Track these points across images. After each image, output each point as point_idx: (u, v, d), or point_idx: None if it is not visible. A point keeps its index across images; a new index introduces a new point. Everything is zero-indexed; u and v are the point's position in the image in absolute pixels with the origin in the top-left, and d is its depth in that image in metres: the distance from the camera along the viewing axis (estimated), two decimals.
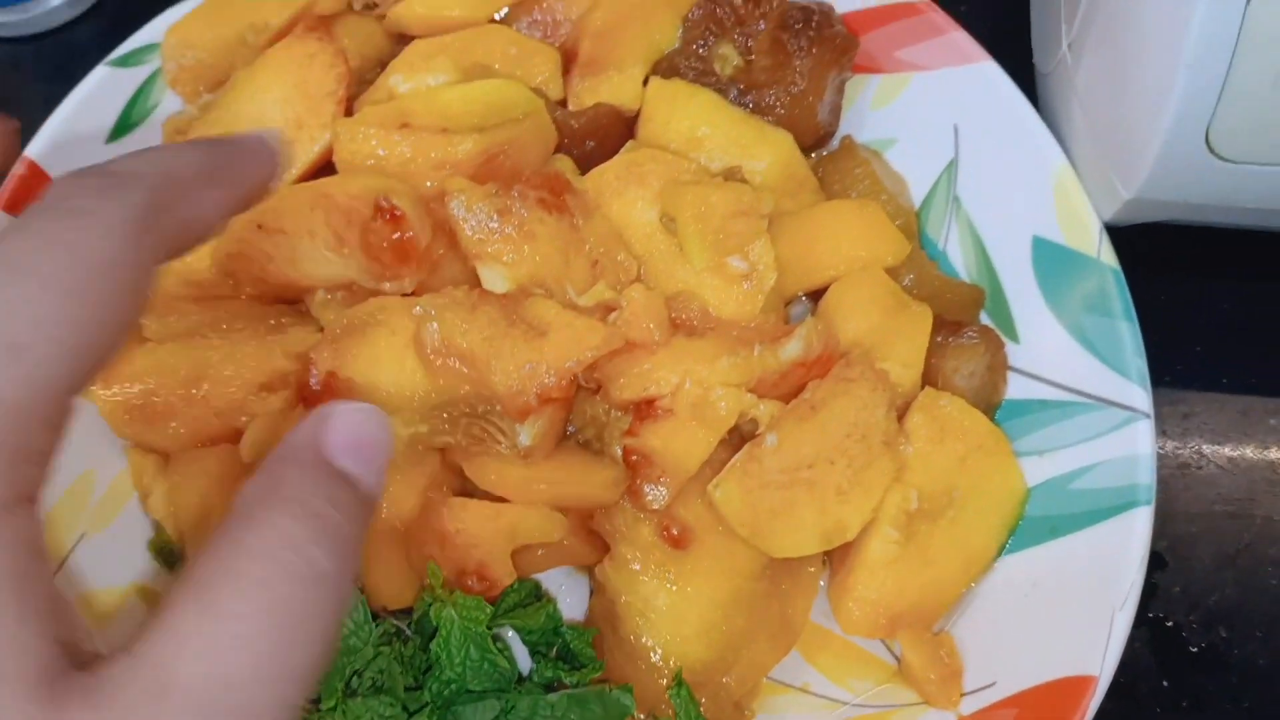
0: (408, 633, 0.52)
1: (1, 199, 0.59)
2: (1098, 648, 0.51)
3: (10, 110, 0.72)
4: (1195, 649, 0.60)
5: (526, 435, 0.53)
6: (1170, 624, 0.61)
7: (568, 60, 0.63)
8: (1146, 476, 0.53)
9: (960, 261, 0.62)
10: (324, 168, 0.59)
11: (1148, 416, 0.54)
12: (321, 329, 0.57)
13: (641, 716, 0.53)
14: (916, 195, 0.63)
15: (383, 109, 0.58)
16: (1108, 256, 0.57)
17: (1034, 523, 0.56)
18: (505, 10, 0.64)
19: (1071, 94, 0.60)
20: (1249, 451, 0.64)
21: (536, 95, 0.60)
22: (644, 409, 0.54)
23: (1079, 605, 0.53)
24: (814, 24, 0.61)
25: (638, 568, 0.54)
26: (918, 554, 0.55)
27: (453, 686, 0.51)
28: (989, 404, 0.59)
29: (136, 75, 0.63)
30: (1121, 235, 0.59)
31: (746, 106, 0.62)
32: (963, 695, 0.54)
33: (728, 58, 0.63)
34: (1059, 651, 0.52)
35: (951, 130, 0.62)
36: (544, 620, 0.53)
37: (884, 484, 0.55)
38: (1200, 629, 0.61)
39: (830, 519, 0.54)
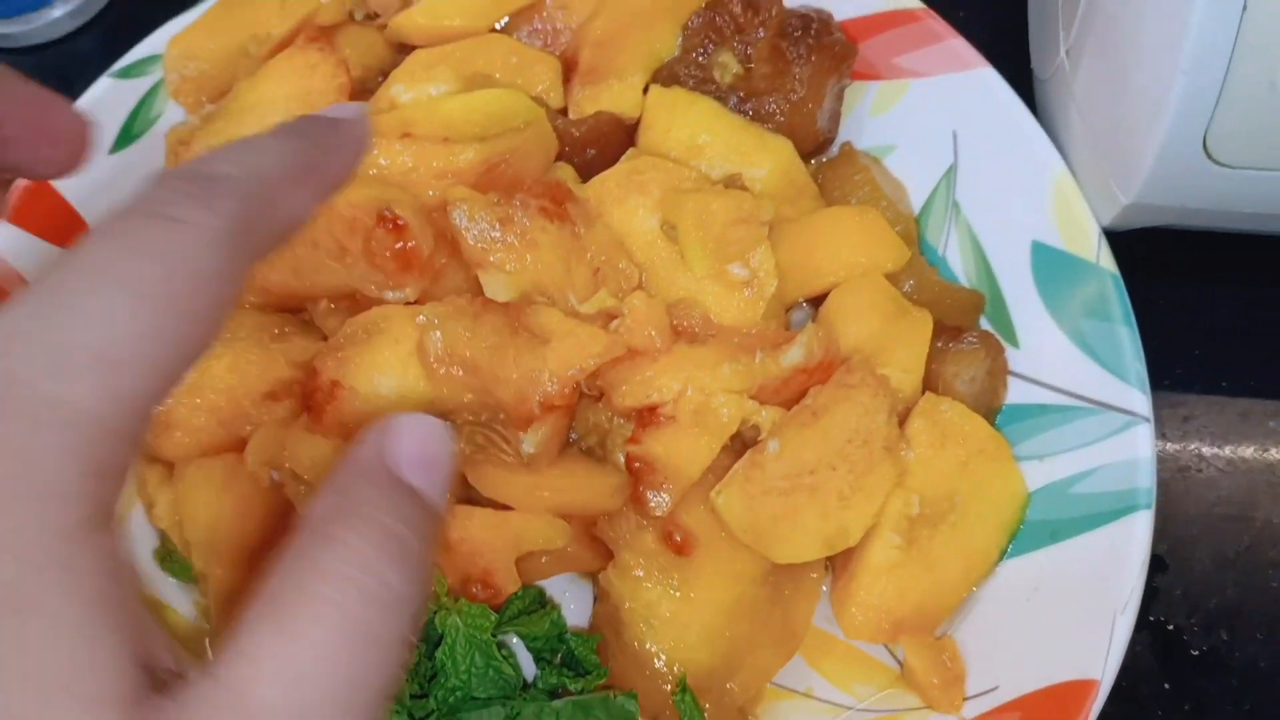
0: (413, 640, 0.52)
1: (9, 211, 0.59)
2: (1099, 651, 0.51)
3: None
4: (1196, 652, 0.60)
5: (530, 443, 0.53)
6: (1171, 627, 0.61)
7: (568, 69, 0.63)
8: (1147, 480, 0.54)
9: (960, 267, 0.62)
10: None
11: (1147, 421, 0.55)
12: (325, 338, 0.57)
13: None
14: (916, 201, 0.64)
15: (384, 119, 0.58)
16: (1106, 261, 0.57)
17: (1035, 527, 0.56)
18: (505, 20, 0.65)
19: (1069, 100, 0.61)
20: (1249, 454, 0.64)
21: (537, 104, 0.60)
22: (646, 416, 0.54)
23: (1080, 609, 0.53)
24: (813, 32, 0.62)
25: (641, 574, 0.54)
26: (920, 559, 0.55)
27: (458, 694, 0.51)
28: (989, 409, 0.59)
29: (139, 86, 0.63)
30: (1120, 239, 0.59)
31: (746, 114, 0.62)
32: (965, 699, 0.54)
33: (727, 65, 0.63)
34: (1061, 655, 0.52)
35: (950, 136, 0.63)
36: (548, 627, 0.53)
37: (885, 489, 0.55)
38: (1201, 632, 0.61)
39: (832, 525, 0.54)
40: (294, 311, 0.59)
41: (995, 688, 0.53)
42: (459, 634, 0.51)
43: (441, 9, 0.63)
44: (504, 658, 0.51)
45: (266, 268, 0.56)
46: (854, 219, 0.60)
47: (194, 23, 0.64)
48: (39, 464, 0.23)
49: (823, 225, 0.60)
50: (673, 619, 0.54)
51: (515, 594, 0.54)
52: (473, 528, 0.53)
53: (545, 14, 0.65)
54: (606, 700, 0.52)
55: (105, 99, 0.62)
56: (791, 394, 0.56)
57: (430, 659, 0.51)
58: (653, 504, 0.54)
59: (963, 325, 0.60)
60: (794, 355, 0.54)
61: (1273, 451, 0.64)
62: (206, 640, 0.56)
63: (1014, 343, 0.60)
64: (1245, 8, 0.48)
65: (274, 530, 0.56)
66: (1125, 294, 0.57)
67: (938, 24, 0.63)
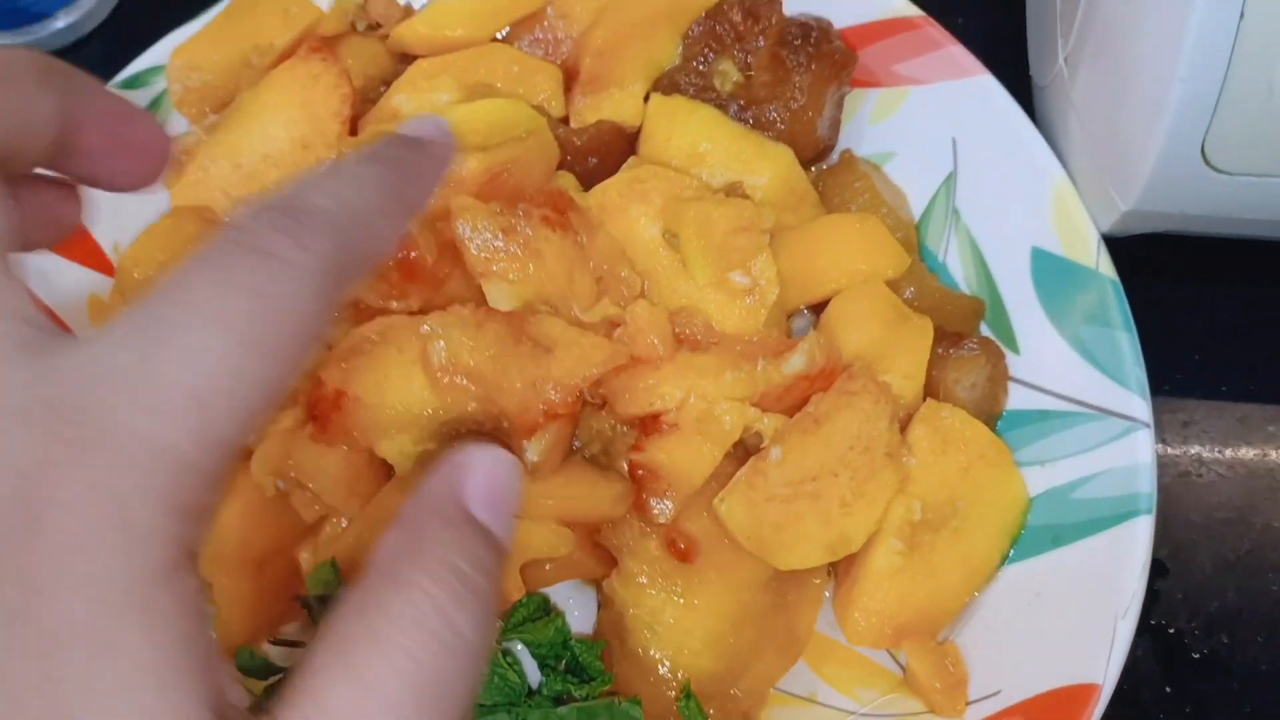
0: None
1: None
2: (1101, 655, 0.51)
3: None
4: (1198, 655, 0.61)
5: (534, 451, 0.53)
6: (1172, 630, 0.61)
7: (569, 78, 0.64)
8: (1147, 485, 0.54)
9: (960, 273, 0.62)
10: None
11: (1148, 426, 0.55)
12: (328, 347, 0.57)
13: None
14: (916, 208, 0.64)
15: (387, 128, 0.58)
16: (1106, 268, 0.58)
17: (1036, 532, 0.57)
18: (506, 29, 0.65)
19: (1068, 107, 0.61)
20: (1249, 458, 0.65)
21: (539, 113, 0.61)
22: (649, 424, 0.55)
23: (1082, 613, 0.53)
24: (813, 40, 0.62)
25: (645, 581, 0.54)
26: (921, 564, 0.55)
27: None
28: (990, 415, 0.59)
29: (142, 97, 0.63)
30: (1119, 244, 0.59)
31: (747, 122, 0.62)
32: (968, 704, 0.54)
33: (728, 74, 0.63)
34: (1063, 660, 0.53)
35: (950, 143, 0.63)
36: (553, 634, 0.54)
37: (887, 495, 0.55)
38: (1202, 635, 0.61)
39: (835, 531, 0.54)
40: None
41: (998, 692, 0.54)
42: None
43: (443, 19, 0.64)
44: (509, 665, 0.52)
45: None
46: (854, 226, 0.60)
47: (197, 34, 0.64)
48: (129, 506, 0.23)
49: (823, 232, 0.60)
50: (676, 625, 0.54)
51: (520, 601, 0.54)
52: None
53: (546, 23, 0.65)
54: (611, 706, 0.52)
55: None
56: (794, 401, 0.56)
57: None
58: (656, 511, 0.54)
59: (963, 331, 0.60)
60: (796, 363, 0.55)
61: (1272, 455, 0.65)
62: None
63: (1014, 349, 0.60)
64: (1242, 15, 0.49)
65: (279, 539, 0.56)
66: (1125, 300, 0.57)
67: (937, 31, 0.63)
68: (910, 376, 0.58)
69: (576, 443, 0.57)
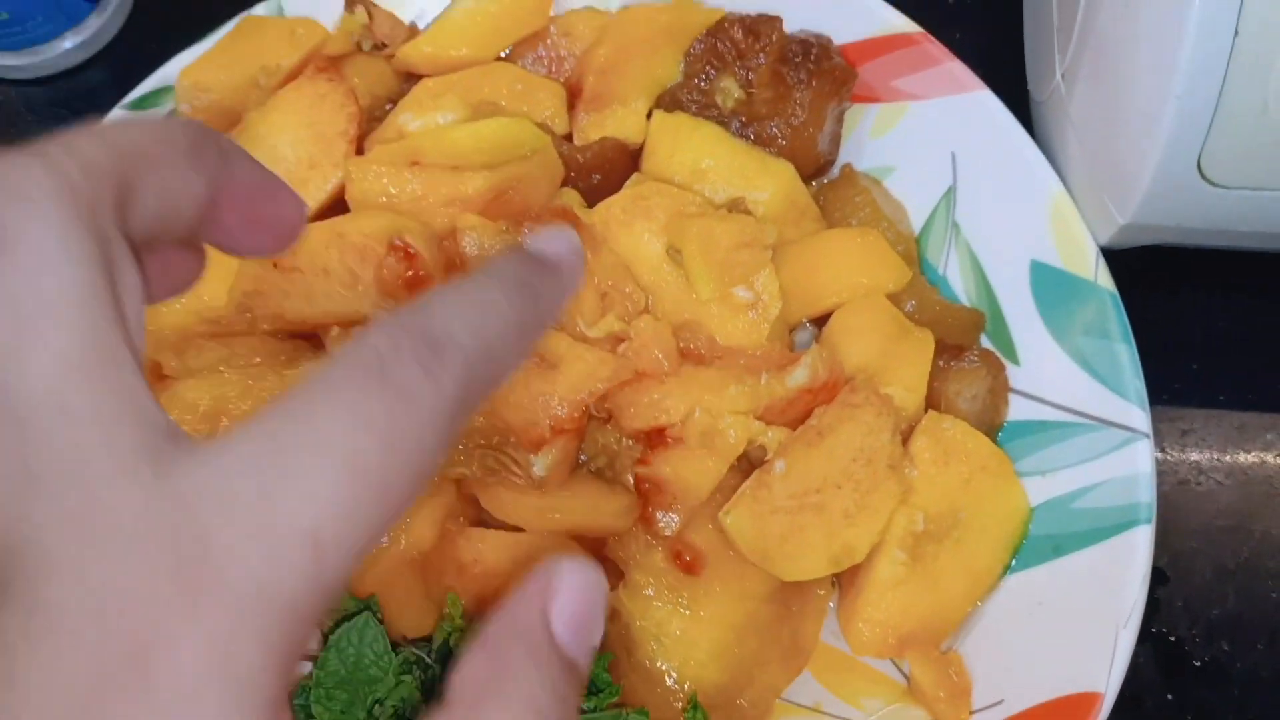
0: (429, 660, 0.53)
1: None
2: (1103, 664, 0.52)
3: None
4: (1198, 662, 0.61)
5: (540, 465, 0.54)
6: (1173, 638, 0.62)
7: (572, 95, 0.65)
8: (1147, 495, 0.55)
9: (960, 286, 0.63)
10: (337, 205, 0.60)
11: (1147, 436, 0.56)
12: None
13: None
14: (916, 222, 0.65)
15: (393, 147, 0.59)
16: (1104, 280, 0.58)
17: (1037, 542, 0.57)
18: (509, 48, 0.66)
19: (1066, 122, 0.62)
20: (1247, 466, 0.65)
21: (543, 130, 0.62)
22: (654, 437, 0.55)
23: (1083, 622, 0.54)
24: (813, 56, 0.63)
25: (651, 593, 0.55)
26: (924, 575, 0.56)
27: None
28: (991, 426, 0.60)
29: (151, 118, 0.64)
30: (1117, 256, 0.60)
31: (748, 138, 0.63)
32: (972, 713, 0.54)
33: (729, 91, 0.64)
34: (1065, 668, 0.53)
35: (949, 158, 0.63)
36: None
37: (890, 507, 0.56)
38: (1203, 642, 0.62)
39: (838, 542, 0.55)
40: (306, 338, 0.60)
41: (1001, 701, 0.54)
42: None
43: (447, 38, 0.65)
44: None
45: (280, 295, 0.57)
46: (855, 240, 0.61)
47: (204, 54, 0.65)
48: (239, 656, 0.22)
49: (825, 247, 0.61)
50: (683, 637, 0.54)
51: None
52: (485, 549, 0.54)
53: (549, 41, 0.66)
54: (618, 718, 0.52)
55: None
56: (797, 414, 0.57)
57: (444, 680, 0.52)
58: (661, 524, 0.55)
59: (964, 344, 0.61)
60: (799, 376, 0.55)
61: (1270, 462, 0.65)
62: None
63: (1015, 360, 0.61)
64: (1237, 33, 0.49)
65: None
66: (1123, 312, 0.58)
67: (935, 47, 0.64)
68: (912, 389, 0.58)
69: (582, 457, 0.58)
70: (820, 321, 0.61)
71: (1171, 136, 0.52)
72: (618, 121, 0.63)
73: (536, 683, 0.25)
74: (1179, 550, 0.63)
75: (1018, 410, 0.60)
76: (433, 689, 0.52)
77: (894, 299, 0.60)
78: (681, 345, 0.57)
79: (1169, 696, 0.61)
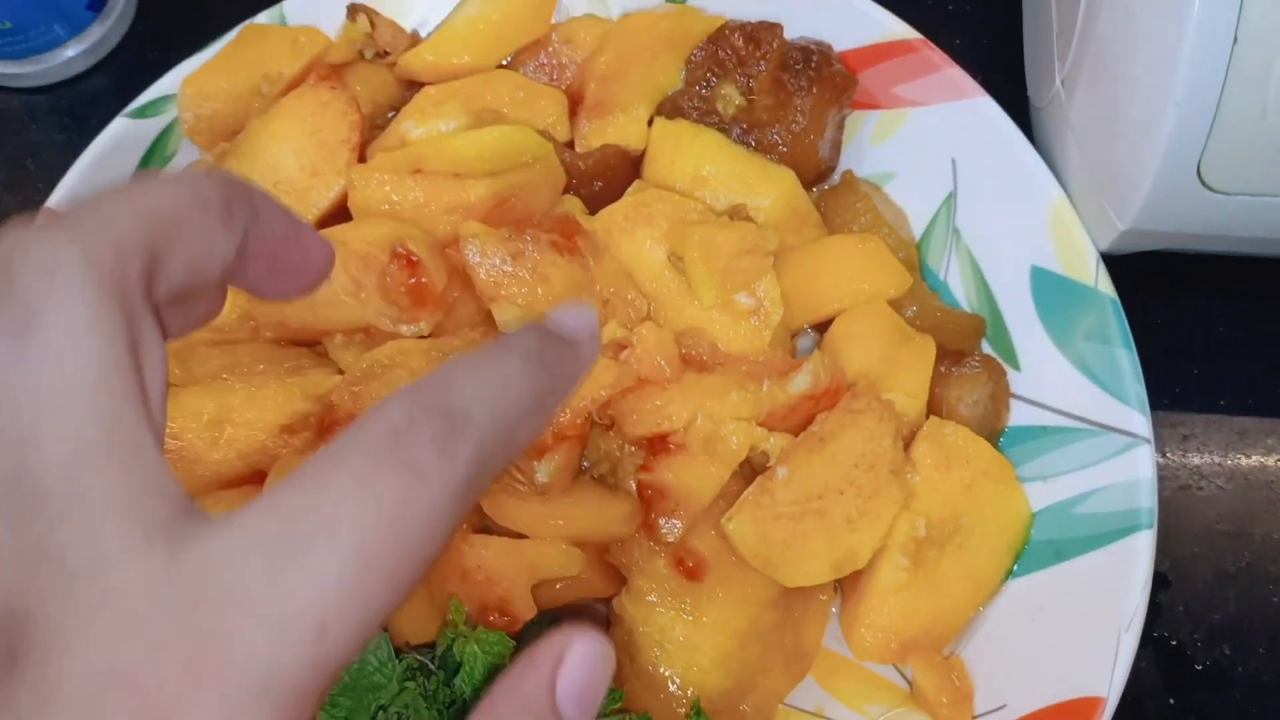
0: (432, 667, 0.53)
1: None
2: (1105, 669, 0.52)
3: (31, 158, 0.74)
4: (1200, 666, 0.61)
5: (543, 472, 0.54)
6: (1175, 642, 0.62)
7: (574, 103, 0.65)
8: (1148, 501, 0.55)
9: (961, 292, 0.63)
10: (339, 213, 0.60)
11: (1148, 442, 0.56)
12: (340, 371, 0.58)
13: None
14: (917, 228, 0.65)
15: (395, 155, 0.59)
16: (1105, 286, 0.59)
17: (1039, 547, 0.57)
18: (510, 56, 0.66)
19: (1066, 128, 0.62)
20: (1248, 471, 0.65)
21: (544, 138, 0.62)
22: (657, 444, 0.56)
23: (1085, 627, 0.54)
24: (813, 63, 0.63)
25: (654, 599, 0.55)
26: (927, 580, 0.56)
27: None
28: (992, 431, 0.60)
29: (154, 126, 0.64)
30: (1118, 261, 0.60)
31: (749, 145, 0.63)
32: (974, 718, 0.55)
33: (730, 98, 0.64)
34: (1067, 673, 0.53)
35: (950, 164, 0.64)
36: None
37: (892, 512, 0.56)
38: (1204, 647, 0.62)
39: (841, 548, 0.55)
40: (309, 345, 0.60)
41: (1003, 706, 0.54)
42: (478, 661, 0.52)
43: (449, 46, 0.65)
44: None
45: (283, 303, 0.57)
46: (856, 246, 0.61)
47: (207, 63, 0.65)
48: None
49: (826, 253, 0.61)
50: (686, 642, 0.55)
51: (531, 621, 0.55)
52: (489, 556, 0.54)
53: (551, 49, 0.66)
54: None
55: (121, 139, 0.63)
56: (799, 420, 0.57)
57: (449, 687, 0.52)
58: (664, 530, 0.55)
59: (965, 349, 0.61)
60: (801, 382, 0.56)
61: (1271, 467, 0.65)
62: None
63: (1015, 366, 0.61)
64: (1236, 39, 0.50)
65: None
66: (1124, 317, 0.58)
67: (935, 54, 0.64)
68: (913, 394, 0.59)
69: (585, 463, 0.58)
70: (822, 328, 0.62)
71: (1171, 142, 0.53)
72: (619, 128, 0.63)
73: None
74: (1180, 555, 0.63)
75: (1019, 415, 0.60)
76: (436, 696, 0.53)
77: (895, 305, 0.61)
78: (684, 352, 0.57)
79: (1171, 701, 0.61)
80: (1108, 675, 0.52)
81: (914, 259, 0.64)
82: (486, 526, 0.56)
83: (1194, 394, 0.67)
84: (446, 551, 0.55)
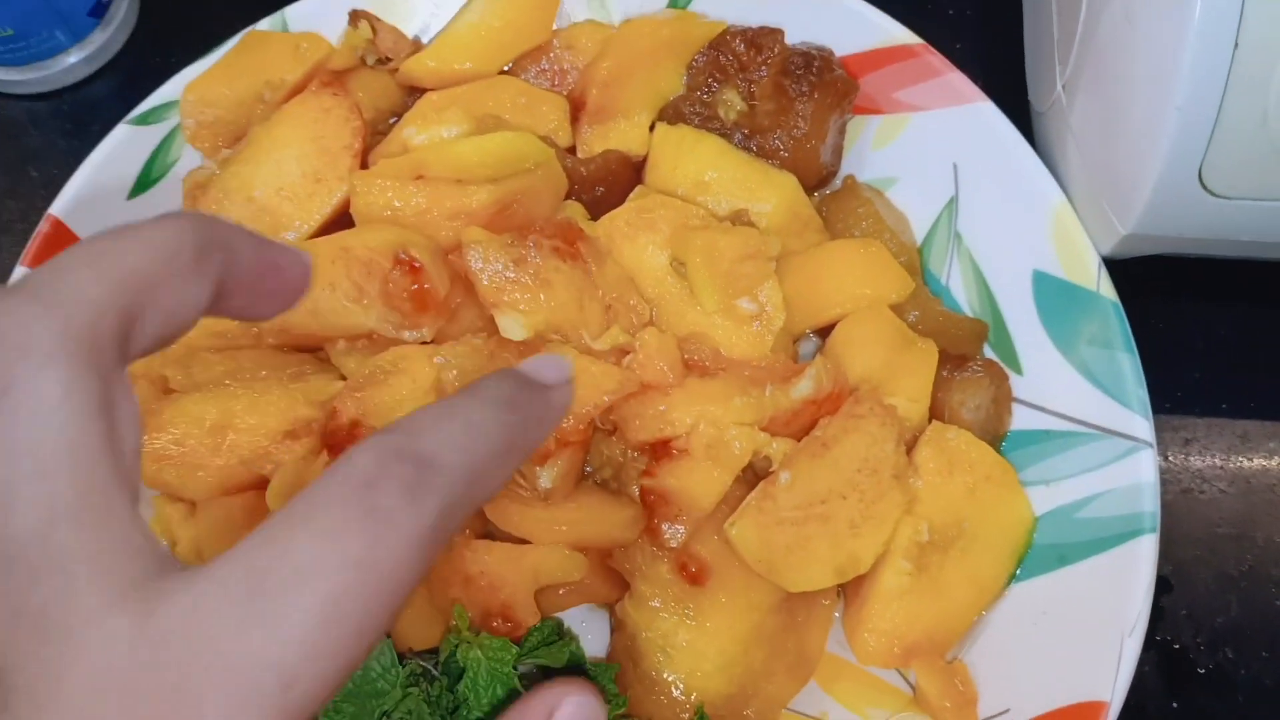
0: (434, 673, 0.53)
1: (27, 257, 0.60)
2: (1108, 673, 0.52)
3: (33, 165, 0.74)
4: (1203, 670, 0.61)
5: (546, 478, 0.54)
6: (1177, 646, 0.62)
7: (575, 108, 0.65)
8: (1151, 505, 0.55)
9: (963, 296, 0.63)
10: (341, 219, 0.60)
11: (1150, 446, 0.56)
12: (342, 377, 0.58)
13: None
14: (918, 232, 0.65)
15: (398, 161, 0.59)
16: (1107, 290, 0.59)
17: (1042, 551, 0.57)
18: (512, 62, 0.66)
19: (1067, 133, 0.62)
20: (1250, 474, 0.66)
21: (546, 143, 0.62)
22: (660, 449, 0.56)
23: (1089, 631, 0.54)
24: (815, 69, 0.63)
25: (657, 604, 0.55)
26: (930, 584, 0.56)
27: None
28: (995, 435, 0.60)
29: (156, 132, 0.64)
30: (1119, 264, 0.60)
31: (751, 150, 0.63)
32: None
33: (731, 103, 0.64)
34: (1071, 677, 0.53)
35: (951, 168, 0.64)
36: (567, 658, 0.54)
37: (895, 517, 0.56)
38: (1207, 650, 0.62)
39: (844, 553, 0.55)
40: (312, 351, 0.61)
41: (1006, 710, 0.54)
42: (481, 667, 0.52)
43: (451, 52, 0.65)
44: (525, 689, 0.52)
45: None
46: (858, 251, 0.61)
47: (209, 69, 0.65)
48: None
49: (828, 258, 0.61)
50: (689, 648, 0.55)
51: (534, 626, 0.55)
52: (492, 562, 0.54)
53: (552, 55, 0.67)
54: None
55: (123, 145, 0.63)
56: (801, 425, 0.57)
57: (452, 692, 0.52)
58: (667, 535, 0.55)
59: (967, 354, 0.61)
60: (803, 387, 0.56)
61: (1273, 471, 0.66)
62: None
63: (1018, 370, 0.61)
64: (1237, 45, 0.50)
65: None
66: (1126, 321, 0.58)
67: (936, 59, 0.64)
68: (915, 399, 0.59)
69: (588, 469, 0.58)
70: (824, 333, 0.62)
71: (1172, 147, 0.53)
72: (621, 134, 0.63)
73: None
74: (1182, 559, 0.63)
75: (1021, 420, 0.60)
76: (439, 702, 0.53)
77: (897, 310, 0.61)
78: (686, 357, 0.57)
79: (1173, 704, 0.61)
80: (1111, 679, 0.52)
81: (916, 264, 0.64)
82: (489, 532, 0.56)
83: (1196, 397, 0.67)
84: (449, 557, 0.55)
